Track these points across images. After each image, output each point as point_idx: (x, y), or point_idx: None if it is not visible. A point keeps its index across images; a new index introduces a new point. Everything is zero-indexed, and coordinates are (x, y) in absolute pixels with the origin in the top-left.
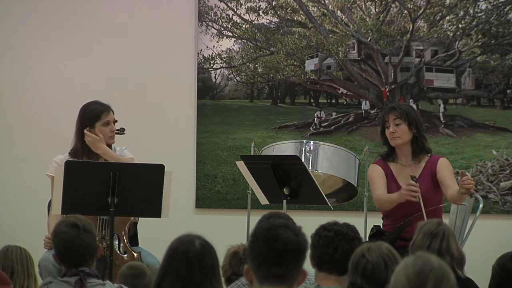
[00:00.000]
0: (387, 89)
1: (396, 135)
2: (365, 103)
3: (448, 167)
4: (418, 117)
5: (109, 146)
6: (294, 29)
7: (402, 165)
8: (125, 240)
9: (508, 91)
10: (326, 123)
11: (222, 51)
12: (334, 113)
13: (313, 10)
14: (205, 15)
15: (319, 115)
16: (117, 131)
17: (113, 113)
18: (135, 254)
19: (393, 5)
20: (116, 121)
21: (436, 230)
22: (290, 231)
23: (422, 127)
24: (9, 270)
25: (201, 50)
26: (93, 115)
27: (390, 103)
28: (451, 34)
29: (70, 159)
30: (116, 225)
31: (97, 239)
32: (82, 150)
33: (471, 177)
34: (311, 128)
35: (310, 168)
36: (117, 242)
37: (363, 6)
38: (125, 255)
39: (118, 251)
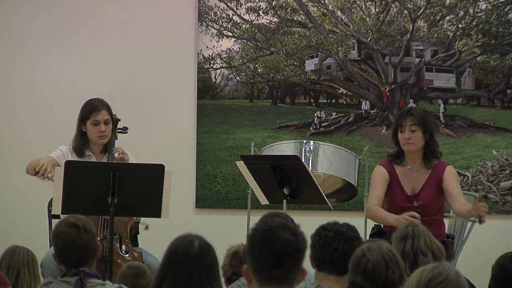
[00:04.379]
0: (387, 89)
1: (410, 141)
2: (365, 103)
3: (455, 177)
4: (433, 123)
5: (106, 146)
6: (294, 29)
7: (410, 170)
8: (127, 241)
9: (508, 91)
10: (326, 123)
11: (222, 51)
12: (334, 113)
13: (313, 10)
14: (205, 15)
15: (319, 115)
16: (119, 130)
17: (109, 113)
18: (136, 255)
19: (393, 5)
20: (119, 120)
21: (405, 232)
22: (289, 231)
23: (435, 133)
24: (15, 272)
25: (201, 50)
26: (85, 113)
27: (392, 105)
28: (451, 34)
29: (70, 159)
30: (118, 225)
31: (99, 239)
32: (81, 144)
33: (485, 204)
34: (311, 128)
35: (310, 168)
36: (118, 243)
37: (363, 6)
38: (127, 255)
39: (120, 252)
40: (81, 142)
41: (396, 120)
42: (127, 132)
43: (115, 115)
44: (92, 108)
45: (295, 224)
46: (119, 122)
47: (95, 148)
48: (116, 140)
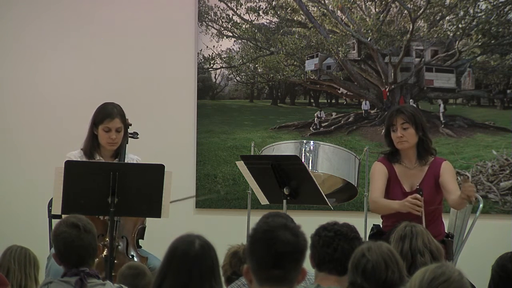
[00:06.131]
0: (387, 89)
1: (404, 139)
2: (365, 103)
3: (451, 172)
4: (423, 119)
5: (116, 150)
6: (294, 29)
7: (407, 167)
8: (134, 243)
9: (508, 91)
10: (326, 123)
11: (222, 51)
12: (334, 113)
13: (313, 10)
14: (205, 15)
15: (319, 115)
16: (130, 135)
17: (123, 120)
18: (142, 258)
19: (393, 5)
20: (130, 124)
21: (404, 232)
22: (289, 232)
23: (427, 129)
24: (5, 269)
25: (201, 50)
26: (99, 117)
27: (392, 105)
28: (451, 34)
29: (73, 160)
30: (125, 228)
31: (108, 239)
32: (91, 147)
33: (472, 183)
34: (311, 128)
35: (310, 168)
36: (125, 245)
37: (363, 6)
38: (134, 259)
39: (127, 255)
40: (92, 144)
41: (387, 119)
42: (138, 138)
43: (127, 119)
44: (106, 115)
45: (295, 224)
46: (130, 126)
47: (105, 152)
48: (126, 144)
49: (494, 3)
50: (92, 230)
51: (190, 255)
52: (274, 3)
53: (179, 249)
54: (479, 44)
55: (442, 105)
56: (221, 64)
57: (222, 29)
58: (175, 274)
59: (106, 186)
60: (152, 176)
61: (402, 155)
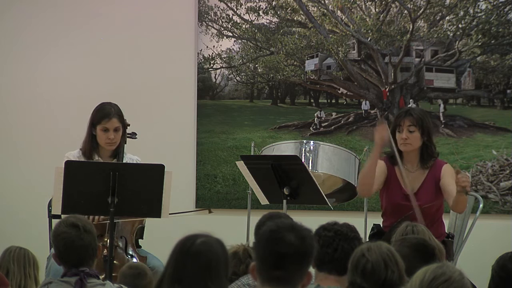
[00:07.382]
0: (387, 89)
1: (408, 141)
2: (365, 103)
3: (451, 175)
4: (430, 124)
5: (115, 151)
6: (294, 29)
7: (408, 170)
8: (133, 244)
9: (508, 91)
10: (326, 123)
11: (222, 51)
12: (334, 113)
13: (313, 10)
14: (205, 15)
15: (319, 115)
16: (128, 135)
17: (120, 120)
18: (141, 258)
19: (393, 5)
20: (129, 125)
21: (405, 232)
22: (294, 234)
23: (433, 134)
24: (5, 269)
25: (201, 50)
26: (97, 117)
27: (392, 105)
28: (451, 34)
29: (73, 160)
30: (124, 228)
31: (107, 239)
32: (90, 147)
33: (467, 175)
34: (311, 128)
35: (310, 168)
36: (124, 246)
37: (363, 6)
38: (133, 259)
39: (126, 256)
40: (91, 145)
41: (395, 120)
42: (136, 138)
43: (125, 120)
44: (104, 115)
45: (303, 227)
46: (128, 127)
47: (103, 153)
48: (125, 145)
49: (494, 3)
50: (92, 230)
51: (185, 250)
52: (274, 3)
53: (179, 244)
54: (479, 44)
55: (442, 105)
56: (221, 64)
57: (222, 29)
58: (172, 268)
59: (106, 186)
60: (152, 176)
61: (404, 158)
